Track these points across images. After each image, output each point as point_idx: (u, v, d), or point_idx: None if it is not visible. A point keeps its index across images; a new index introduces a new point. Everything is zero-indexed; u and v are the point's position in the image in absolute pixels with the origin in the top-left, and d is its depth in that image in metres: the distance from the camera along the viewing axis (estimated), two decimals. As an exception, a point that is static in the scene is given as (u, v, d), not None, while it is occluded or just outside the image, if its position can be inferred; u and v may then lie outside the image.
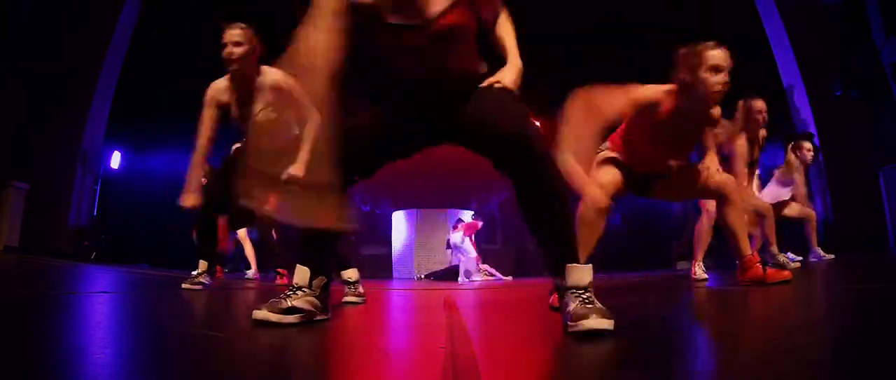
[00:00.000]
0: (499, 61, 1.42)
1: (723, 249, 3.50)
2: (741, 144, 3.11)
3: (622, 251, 8.54)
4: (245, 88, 2.47)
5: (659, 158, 2.29)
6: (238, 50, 2.38)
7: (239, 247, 5.35)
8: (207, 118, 2.49)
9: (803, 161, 4.01)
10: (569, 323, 1.12)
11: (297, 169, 1.89)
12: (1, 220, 6.03)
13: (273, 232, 3.84)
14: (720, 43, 2.09)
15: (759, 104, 3.22)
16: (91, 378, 0.73)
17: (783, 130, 5.12)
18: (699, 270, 3.27)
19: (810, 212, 4.18)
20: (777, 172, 4.15)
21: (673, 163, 2.31)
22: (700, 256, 3.33)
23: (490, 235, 10.06)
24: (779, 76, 6.84)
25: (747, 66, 3.35)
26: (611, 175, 2.27)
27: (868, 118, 6.18)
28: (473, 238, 7.67)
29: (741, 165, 3.07)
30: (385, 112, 1.39)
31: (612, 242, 9.55)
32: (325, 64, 1.16)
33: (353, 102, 1.38)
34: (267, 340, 1.23)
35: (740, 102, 3.22)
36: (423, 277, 7.63)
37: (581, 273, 1.20)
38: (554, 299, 1.61)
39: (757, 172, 4.02)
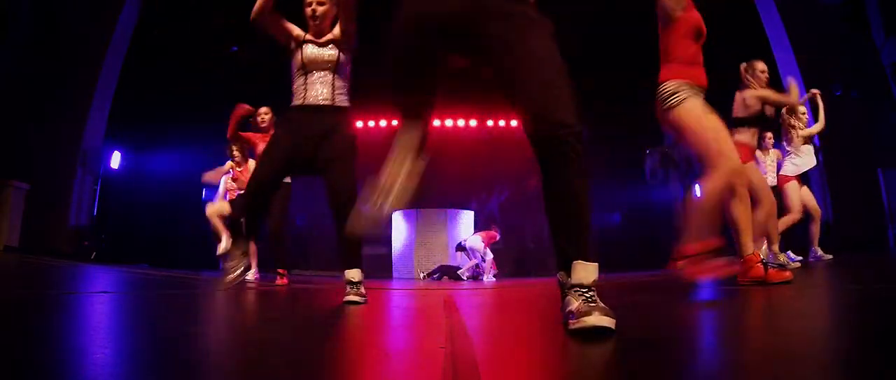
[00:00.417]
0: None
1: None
2: (751, 94, 3.08)
3: (622, 251, 8.55)
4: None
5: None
6: (321, 8, 2.40)
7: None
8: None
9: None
10: (570, 321, 1.12)
11: None
12: (1, 220, 6.03)
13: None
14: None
15: (761, 65, 3.24)
16: (91, 378, 0.73)
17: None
18: (783, 257, 3.27)
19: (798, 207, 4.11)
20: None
21: None
22: (776, 242, 3.28)
23: (497, 237, 10.08)
24: (779, 76, 6.85)
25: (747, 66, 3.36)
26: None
27: (868, 118, 6.19)
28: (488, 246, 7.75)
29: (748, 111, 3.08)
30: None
31: (612, 242, 9.58)
32: None
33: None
34: (267, 339, 1.23)
35: (742, 66, 3.22)
36: (424, 277, 7.65)
37: (587, 271, 1.18)
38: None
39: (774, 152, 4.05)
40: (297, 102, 2.38)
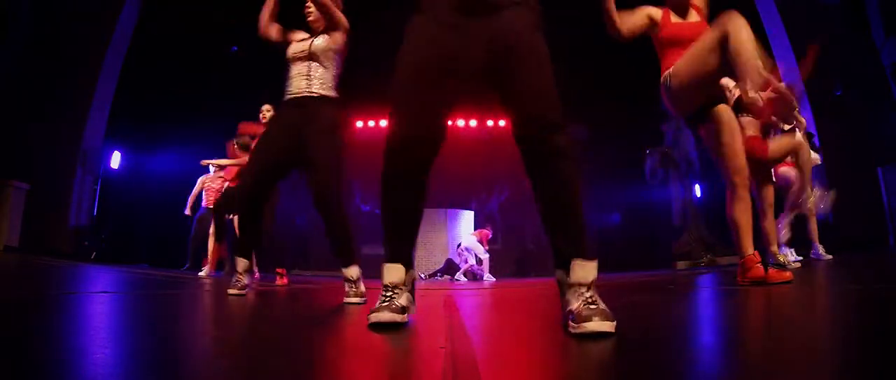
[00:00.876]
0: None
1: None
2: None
3: (622, 251, 8.55)
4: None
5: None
6: (314, 9, 2.57)
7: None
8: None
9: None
10: (570, 323, 1.12)
11: None
12: (1, 220, 6.03)
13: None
14: None
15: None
16: (91, 378, 0.73)
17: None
18: (790, 255, 3.26)
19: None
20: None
21: None
22: (775, 242, 3.27)
23: (490, 236, 10.07)
24: (779, 76, 6.84)
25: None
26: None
27: (868, 118, 6.19)
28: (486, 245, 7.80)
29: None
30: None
31: (612, 242, 9.58)
32: None
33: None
34: (267, 338, 1.23)
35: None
36: (426, 277, 7.67)
37: (585, 270, 1.18)
38: None
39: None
40: (284, 99, 2.50)
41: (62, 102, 6.95)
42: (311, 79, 2.44)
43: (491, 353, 1.06)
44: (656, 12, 2.40)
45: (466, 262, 7.54)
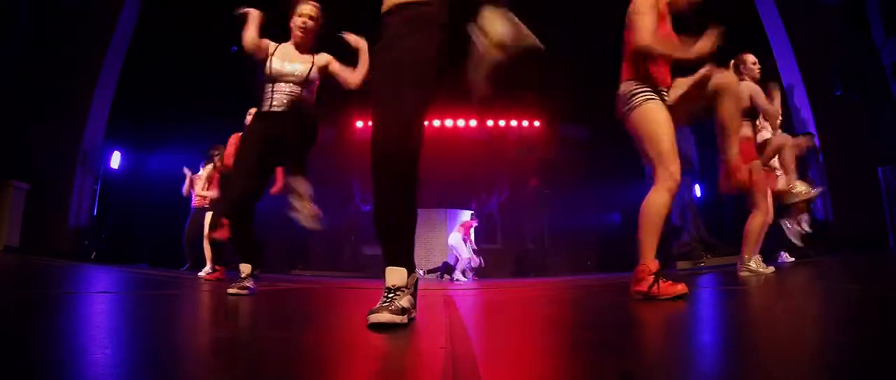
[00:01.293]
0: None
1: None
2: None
3: (622, 251, 8.54)
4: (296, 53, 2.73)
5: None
6: (311, 23, 2.68)
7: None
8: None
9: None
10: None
11: None
12: (1, 220, 6.03)
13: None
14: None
15: (751, 57, 3.26)
16: (91, 378, 0.73)
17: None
18: (755, 265, 3.20)
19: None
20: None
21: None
22: (748, 254, 3.25)
23: (490, 235, 10.07)
24: (779, 76, 6.85)
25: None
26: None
27: (868, 118, 6.18)
28: (473, 238, 7.76)
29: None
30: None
31: (612, 242, 9.58)
32: None
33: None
34: (266, 338, 1.23)
35: (731, 62, 3.25)
36: (425, 272, 7.68)
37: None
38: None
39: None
40: (262, 108, 2.65)
41: (62, 102, 6.95)
42: (296, 98, 2.62)
43: (491, 353, 1.06)
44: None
45: (457, 260, 7.57)
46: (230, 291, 2.47)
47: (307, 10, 2.67)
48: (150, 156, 8.76)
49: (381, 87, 1.34)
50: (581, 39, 7.39)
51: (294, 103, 2.58)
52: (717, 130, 2.23)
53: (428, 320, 1.54)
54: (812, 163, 5.91)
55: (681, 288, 1.90)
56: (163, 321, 1.52)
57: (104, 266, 5.65)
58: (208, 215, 5.05)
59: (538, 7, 1.39)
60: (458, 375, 0.78)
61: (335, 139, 9.53)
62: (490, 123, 10.14)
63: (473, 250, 7.68)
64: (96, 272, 4.22)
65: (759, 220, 3.23)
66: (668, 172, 2.02)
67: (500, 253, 9.84)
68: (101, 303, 1.89)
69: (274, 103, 2.61)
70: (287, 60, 2.65)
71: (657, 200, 2.01)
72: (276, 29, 2.73)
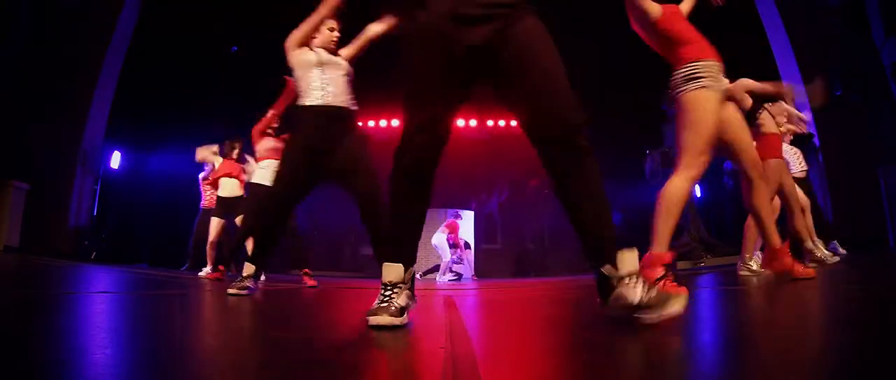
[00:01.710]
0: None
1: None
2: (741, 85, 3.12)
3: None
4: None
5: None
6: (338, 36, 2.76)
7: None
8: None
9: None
10: (639, 314, 1.16)
11: None
12: (1, 220, 6.03)
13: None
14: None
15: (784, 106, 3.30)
16: (91, 378, 0.73)
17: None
18: (755, 265, 3.21)
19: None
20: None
21: None
22: (748, 253, 3.25)
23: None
24: (779, 76, 6.85)
25: (747, 65, 3.36)
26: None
27: (868, 118, 6.18)
28: (458, 237, 7.77)
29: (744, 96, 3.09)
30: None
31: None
32: None
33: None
34: (266, 338, 1.23)
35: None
36: (420, 276, 7.69)
37: (634, 259, 1.23)
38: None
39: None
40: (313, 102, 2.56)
41: (62, 102, 6.95)
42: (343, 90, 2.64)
43: (491, 353, 1.06)
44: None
45: (442, 259, 7.60)
46: (230, 291, 2.47)
47: (335, 25, 2.75)
48: (150, 156, 8.76)
49: (410, 89, 1.34)
50: (582, 39, 7.38)
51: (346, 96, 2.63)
52: (750, 211, 2.37)
53: (428, 320, 1.54)
54: (812, 161, 5.90)
55: (683, 292, 1.90)
56: (162, 321, 1.52)
57: (104, 266, 5.65)
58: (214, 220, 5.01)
59: (538, 7, 1.39)
60: (458, 375, 0.78)
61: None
62: (490, 123, 10.14)
63: (455, 253, 7.73)
64: (96, 272, 4.22)
65: (796, 217, 3.26)
66: (697, 162, 2.05)
67: (500, 253, 9.83)
68: (101, 303, 1.89)
69: (326, 92, 2.59)
70: (327, 55, 2.69)
71: (678, 187, 2.04)
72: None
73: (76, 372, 0.77)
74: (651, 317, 1.13)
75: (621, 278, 1.19)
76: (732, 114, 2.33)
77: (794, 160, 4.31)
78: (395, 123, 9.25)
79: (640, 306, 1.15)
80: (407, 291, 1.34)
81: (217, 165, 5.17)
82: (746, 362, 0.88)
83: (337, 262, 9.42)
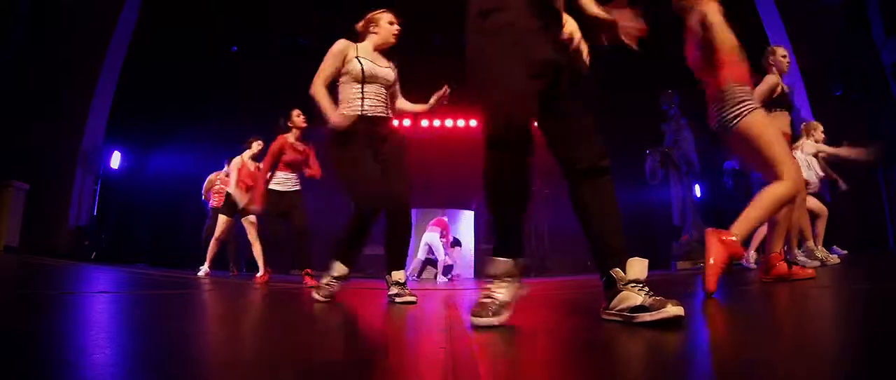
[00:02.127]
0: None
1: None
2: (769, 78, 3.18)
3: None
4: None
5: None
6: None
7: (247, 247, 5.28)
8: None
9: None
10: (640, 315, 1.22)
11: None
12: (1, 220, 6.03)
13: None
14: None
15: (781, 50, 3.31)
16: (91, 378, 0.73)
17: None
18: (801, 257, 3.34)
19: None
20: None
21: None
22: (781, 242, 3.29)
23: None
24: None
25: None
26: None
27: (868, 118, 6.18)
28: (449, 236, 7.76)
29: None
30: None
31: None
32: None
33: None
34: (266, 338, 1.23)
35: (766, 50, 3.31)
36: (416, 278, 7.68)
37: (643, 266, 1.32)
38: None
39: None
40: (355, 111, 2.46)
41: (62, 102, 6.95)
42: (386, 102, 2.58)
43: (491, 353, 1.06)
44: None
45: (436, 258, 7.60)
46: (316, 296, 2.38)
47: (393, 18, 2.60)
48: (150, 156, 8.76)
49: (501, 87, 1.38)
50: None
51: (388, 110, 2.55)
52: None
53: (428, 320, 1.54)
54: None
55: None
56: (162, 321, 1.52)
57: (104, 266, 5.65)
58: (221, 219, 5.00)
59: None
60: (458, 375, 0.78)
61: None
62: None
63: (446, 252, 7.73)
64: (96, 272, 4.22)
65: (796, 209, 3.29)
66: (794, 168, 2.19)
67: (500, 253, 9.82)
68: (101, 303, 1.89)
69: (368, 106, 2.45)
70: (376, 63, 2.51)
71: (781, 191, 2.15)
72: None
73: (76, 372, 0.77)
74: (653, 317, 1.17)
75: (628, 283, 1.25)
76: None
77: (811, 172, 4.38)
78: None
79: (641, 310, 1.19)
80: (515, 285, 1.41)
81: (236, 171, 5.09)
82: (748, 362, 0.88)
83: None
